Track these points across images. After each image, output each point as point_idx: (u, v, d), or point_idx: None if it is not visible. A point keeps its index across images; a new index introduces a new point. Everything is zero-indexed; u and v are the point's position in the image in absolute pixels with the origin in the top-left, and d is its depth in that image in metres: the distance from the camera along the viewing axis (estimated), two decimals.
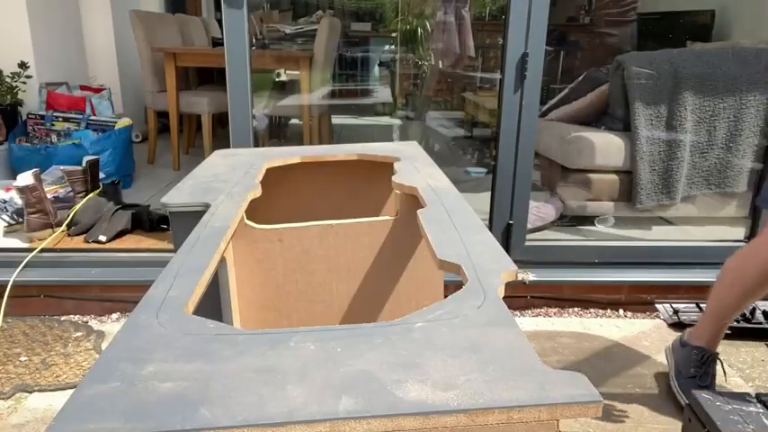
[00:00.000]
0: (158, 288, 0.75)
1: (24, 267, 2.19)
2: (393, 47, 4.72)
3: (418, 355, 0.58)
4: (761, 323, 2.12)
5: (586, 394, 0.52)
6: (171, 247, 1.24)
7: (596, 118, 2.84)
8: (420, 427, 0.50)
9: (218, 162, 1.41)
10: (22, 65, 3.40)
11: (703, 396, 1.37)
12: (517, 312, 2.30)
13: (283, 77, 4.05)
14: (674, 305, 2.28)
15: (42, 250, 2.26)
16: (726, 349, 2.02)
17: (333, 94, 3.97)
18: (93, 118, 3.38)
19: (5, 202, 2.58)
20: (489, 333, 0.62)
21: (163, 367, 0.56)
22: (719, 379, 1.73)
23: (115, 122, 3.34)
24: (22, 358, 1.90)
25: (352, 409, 0.50)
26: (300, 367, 0.56)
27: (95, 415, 0.49)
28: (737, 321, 2.14)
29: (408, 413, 0.50)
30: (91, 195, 2.58)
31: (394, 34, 4.72)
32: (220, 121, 3.84)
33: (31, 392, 1.73)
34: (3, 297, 2.11)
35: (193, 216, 1.06)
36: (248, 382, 0.53)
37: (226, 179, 1.25)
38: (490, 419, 0.51)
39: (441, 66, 4.47)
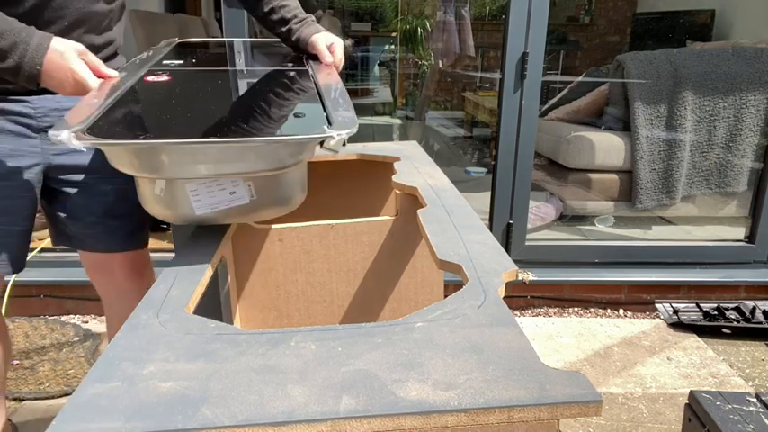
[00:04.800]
0: (159, 288, 0.75)
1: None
2: (393, 47, 4.72)
3: (419, 355, 0.58)
4: (761, 323, 2.12)
5: (586, 393, 0.52)
6: (171, 246, 1.24)
7: (596, 118, 2.84)
8: (421, 426, 0.50)
9: None
10: None
11: (703, 396, 1.37)
12: (517, 312, 2.30)
13: None
14: (674, 305, 2.28)
15: (42, 250, 2.26)
16: (726, 349, 2.02)
17: None
18: None
19: None
20: (490, 333, 0.62)
21: (164, 367, 0.56)
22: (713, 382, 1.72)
23: None
24: (15, 362, 1.89)
25: (353, 408, 0.50)
26: (301, 367, 0.56)
27: (96, 414, 0.49)
28: (737, 321, 2.14)
29: (409, 412, 0.50)
30: None
31: (394, 34, 4.72)
32: None
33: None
34: (3, 297, 2.11)
35: None
36: (249, 382, 0.53)
37: None
38: (491, 419, 0.51)
39: (441, 65, 4.47)
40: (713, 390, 1.40)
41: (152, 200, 0.86)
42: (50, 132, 0.70)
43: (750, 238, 2.41)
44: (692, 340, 2.08)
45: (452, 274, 0.83)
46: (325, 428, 0.49)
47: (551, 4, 2.08)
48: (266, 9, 1.22)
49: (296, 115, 0.86)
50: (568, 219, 2.75)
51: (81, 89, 0.90)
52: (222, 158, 0.77)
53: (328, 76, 1.06)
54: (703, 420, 1.34)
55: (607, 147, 2.65)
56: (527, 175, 2.26)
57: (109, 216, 1.16)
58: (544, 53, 2.13)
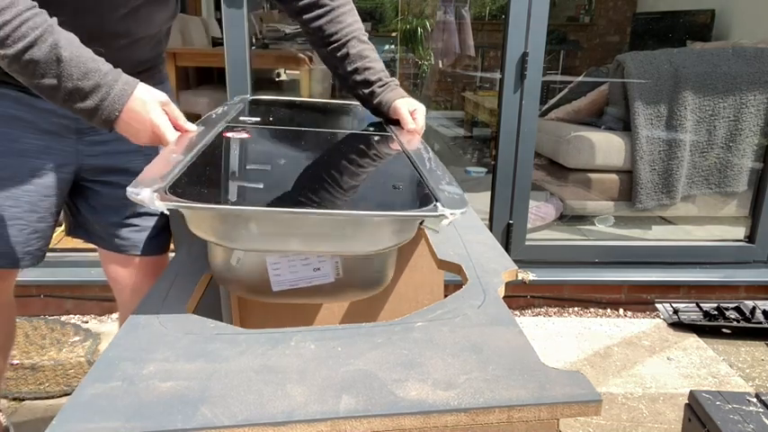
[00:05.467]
0: (159, 288, 0.75)
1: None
2: (393, 47, 4.72)
3: (419, 355, 0.58)
4: (761, 323, 2.12)
5: (586, 393, 0.52)
6: (171, 246, 1.24)
7: (596, 117, 2.84)
8: (420, 426, 0.50)
9: None
10: None
11: (703, 395, 1.37)
12: (517, 312, 2.30)
13: (284, 77, 4.04)
14: (674, 305, 2.28)
15: None
16: (726, 349, 2.02)
17: (333, 94, 3.97)
18: None
19: None
20: (490, 332, 0.62)
21: (163, 367, 0.56)
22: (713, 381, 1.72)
23: None
24: (15, 362, 1.89)
25: (353, 408, 0.50)
26: (301, 366, 0.56)
27: (96, 414, 0.49)
28: (737, 321, 2.14)
29: (409, 412, 0.50)
30: None
31: (394, 34, 4.72)
32: None
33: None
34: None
35: None
36: (249, 382, 0.53)
37: None
38: (491, 418, 0.51)
39: (441, 65, 4.47)
40: (713, 390, 1.40)
41: (224, 270, 0.76)
42: (129, 189, 0.64)
43: (750, 238, 2.41)
44: (692, 340, 2.08)
45: (452, 274, 0.83)
46: (325, 428, 0.49)
47: (551, 4, 2.08)
48: (349, 69, 1.17)
49: (394, 187, 0.77)
50: (568, 219, 2.75)
51: (157, 141, 0.87)
52: (317, 233, 0.67)
53: (413, 143, 1.01)
54: (703, 420, 1.34)
55: (607, 147, 2.65)
56: (527, 175, 2.26)
57: (135, 218, 1.15)
58: (544, 53, 2.13)
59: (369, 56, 1.18)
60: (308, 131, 1.10)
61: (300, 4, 1.16)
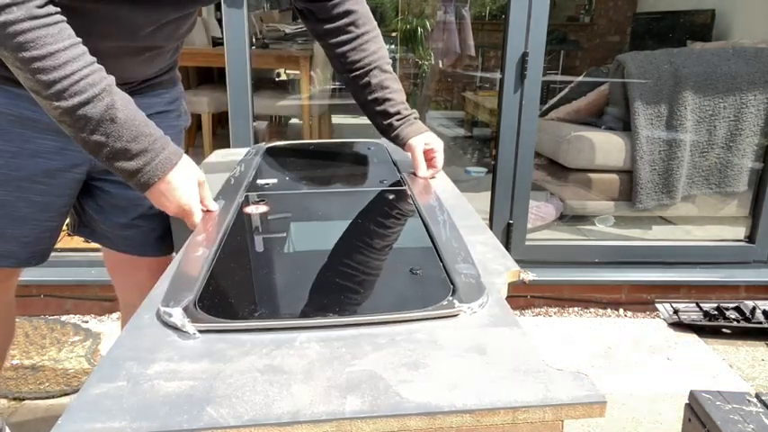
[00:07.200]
0: (161, 287, 0.75)
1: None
2: (393, 47, 4.72)
3: (423, 356, 0.58)
4: (761, 323, 2.12)
5: (591, 395, 0.52)
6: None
7: (596, 117, 2.85)
8: (425, 427, 0.50)
9: (218, 162, 1.41)
10: None
11: (703, 396, 1.37)
12: (517, 312, 2.30)
13: (283, 77, 4.04)
14: (674, 305, 2.28)
15: None
16: (726, 349, 2.03)
17: (333, 94, 3.97)
18: None
19: None
20: (493, 333, 0.62)
21: (168, 366, 0.56)
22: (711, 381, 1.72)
23: None
24: (14, 362, 1.89)
25: (358, 408, 0.50)
26: (306, 367, 0.56)
27: (102, 414, 0.49)
28: (737, 321, 2.14)
29: (414, 413, 0.50)
30: None
31: (394, 34, 4.71)
32: (220, 120, 3.84)
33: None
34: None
35: None
36: (254, 382, 0.54)
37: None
38: (495, 419, 0.51)
39: (441, 65, 4.47)
40: (713, 390, 1.41)
41: None
42: (162, 309, 0.64)
43: (750, 238, 2.42)
44: (692, 340, 2.08)
45: None
46: (331, 429, 0.49)
47: (551, 4, 2.09)
48: (370, 98, 1.17)
49: (412, 272, 0.75)
50: (568, 219, 2.75)
51: (182, 216, 0.89)
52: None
53: (426, 198, 1.01)
54: (703, 420, 1.34)
55: (607, 147, 2.65)
56: (527, 175, 2.26)
57: (142, 220, 1.15)
58: (544, 53, 2.14)
59: (390, 86, 1.18)
60: (322, 195, 1.08)
61: (326, 27, 1.15)
